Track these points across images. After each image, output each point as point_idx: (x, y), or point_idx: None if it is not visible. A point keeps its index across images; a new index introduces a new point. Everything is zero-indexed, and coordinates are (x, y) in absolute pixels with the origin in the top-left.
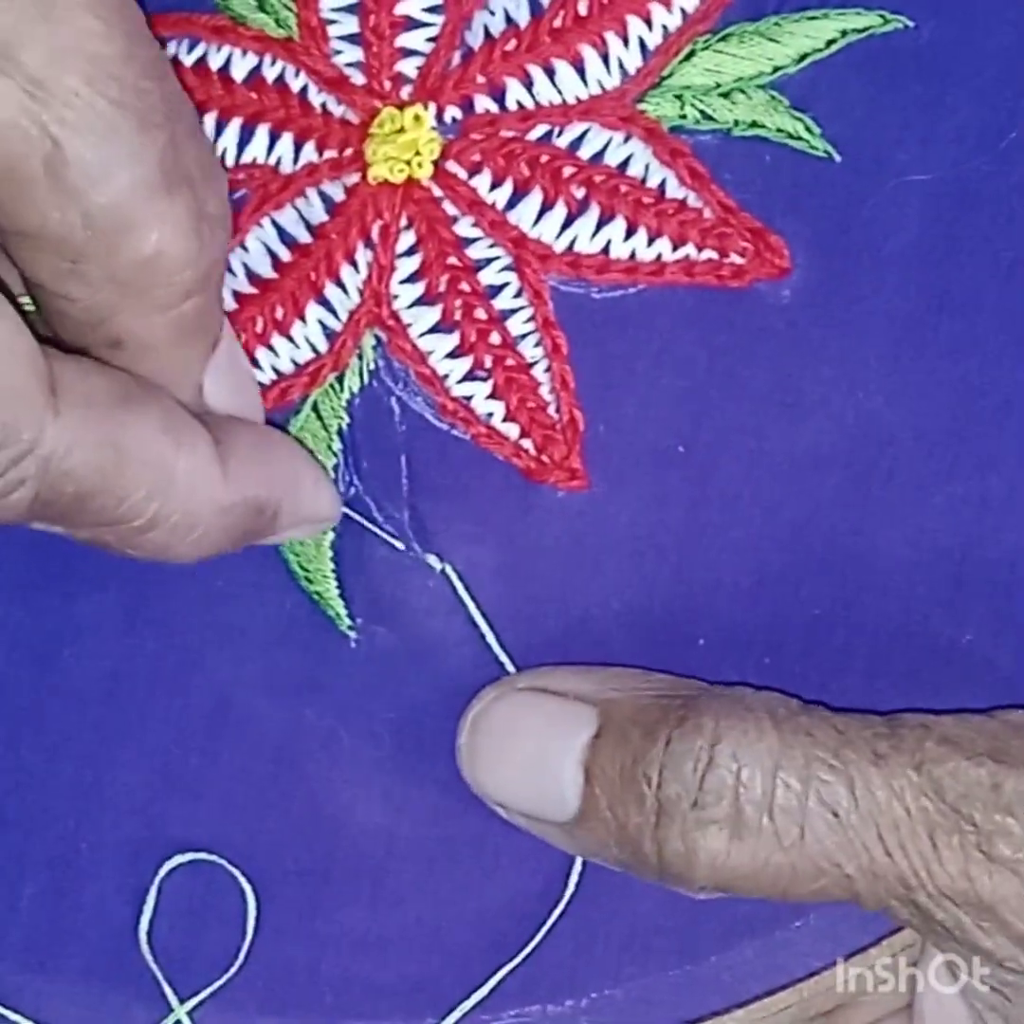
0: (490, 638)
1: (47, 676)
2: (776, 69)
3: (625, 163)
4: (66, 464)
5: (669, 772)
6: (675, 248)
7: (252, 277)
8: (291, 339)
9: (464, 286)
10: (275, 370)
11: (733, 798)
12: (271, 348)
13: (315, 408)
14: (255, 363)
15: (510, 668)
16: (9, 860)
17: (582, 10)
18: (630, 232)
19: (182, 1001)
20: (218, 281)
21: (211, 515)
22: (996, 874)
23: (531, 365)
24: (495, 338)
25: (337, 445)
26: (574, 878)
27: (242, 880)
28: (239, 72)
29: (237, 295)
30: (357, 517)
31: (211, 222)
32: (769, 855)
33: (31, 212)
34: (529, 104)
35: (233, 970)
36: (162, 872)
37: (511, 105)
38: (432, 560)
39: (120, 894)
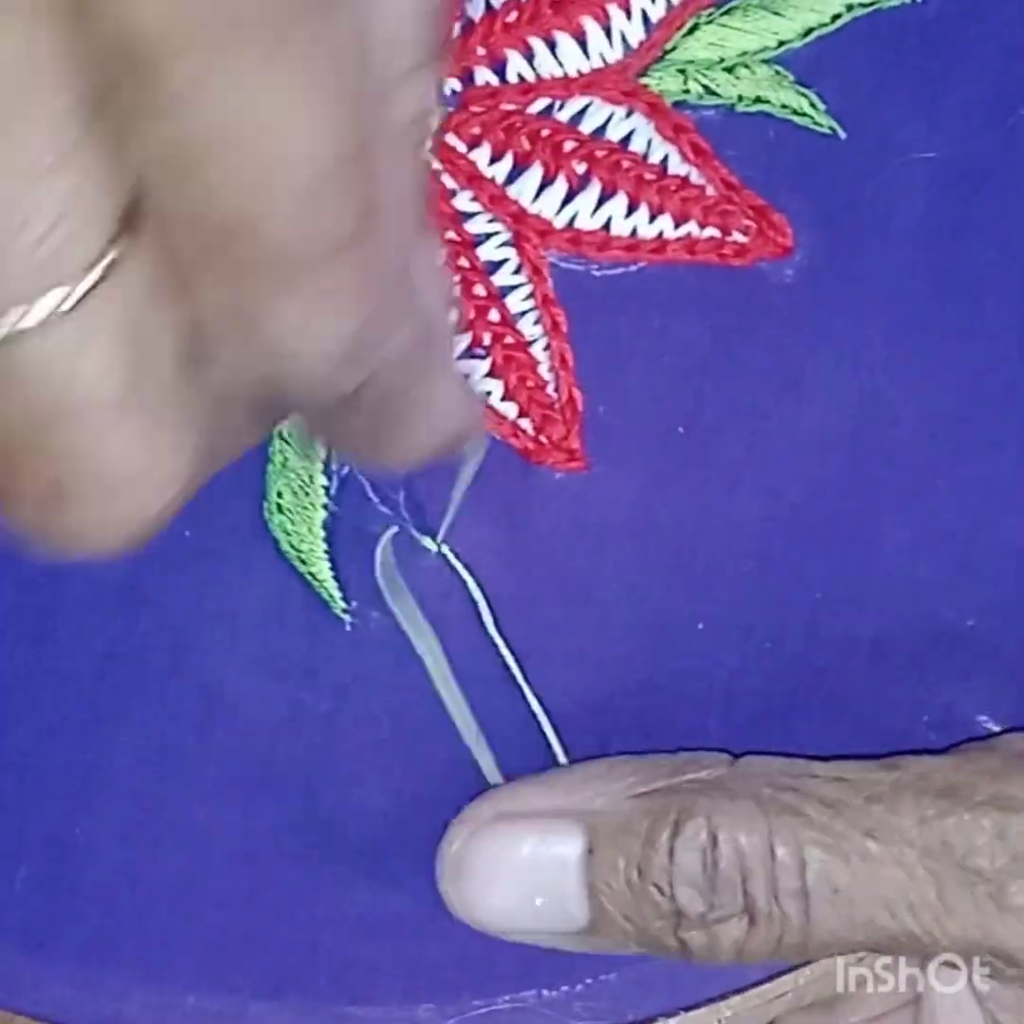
0: (487, 618)
1: (40, 657)
2: (781, 44)
3: (627, 138)
4: None
5: (679, 878)
6: (677, 225)
7: None
8: None
9: (463, 261)
10: None
11: (742, 891)
12: None
13: None
14: None
15: (505, 653)
16: (4, 842)
17: None
18: (632, 208)
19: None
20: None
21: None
22: (1009, 922)
23: (530, 343)
24: (494, 315)
25: None
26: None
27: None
28: None
29: None
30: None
31: None
32: (782, 937)
33: None
34: (530, 77)
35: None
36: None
37: (512, 78)
38: (427, 541)
39: (116, 876)
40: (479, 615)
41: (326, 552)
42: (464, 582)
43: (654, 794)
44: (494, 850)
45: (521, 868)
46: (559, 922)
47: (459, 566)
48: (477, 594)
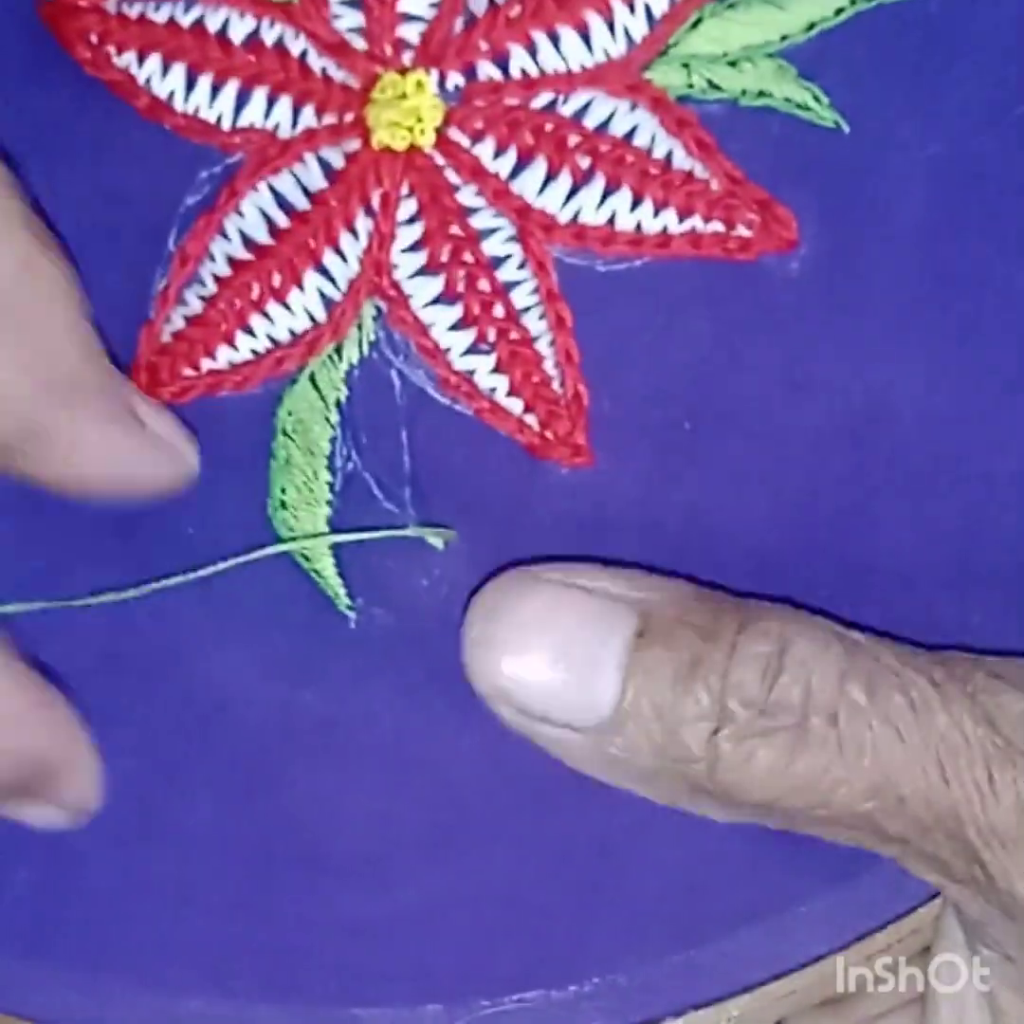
0: None
1: (38, 657)
2: (784, 38)
3: (631, 133)
4: None
5: (736, 676)
6: (681, 220)
7: (248, 243)
8: (288, 307)
9: (467, 256)
10: (271, 339)
11: (802, 706)
12: (267, 316)
13: (312, 379)
14: (249, 330)
15: None
16: (3, 845)
17: None
18: (636, 203)
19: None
20: None
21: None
22: None
23: (535, 338)
24: (499, 310)
25: (334, 417)
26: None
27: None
28: (237, 34)
29: (232, 261)
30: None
31: None
32: (829, 766)
33: None
34: (533, 71)
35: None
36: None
37: (515, 72)
38: (432, 538)
39: (116, 880)
40: None
41: (331, 548)
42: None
43: (719, 599)
44: (537, 605)
45: (561, 631)
46: (581, 704)
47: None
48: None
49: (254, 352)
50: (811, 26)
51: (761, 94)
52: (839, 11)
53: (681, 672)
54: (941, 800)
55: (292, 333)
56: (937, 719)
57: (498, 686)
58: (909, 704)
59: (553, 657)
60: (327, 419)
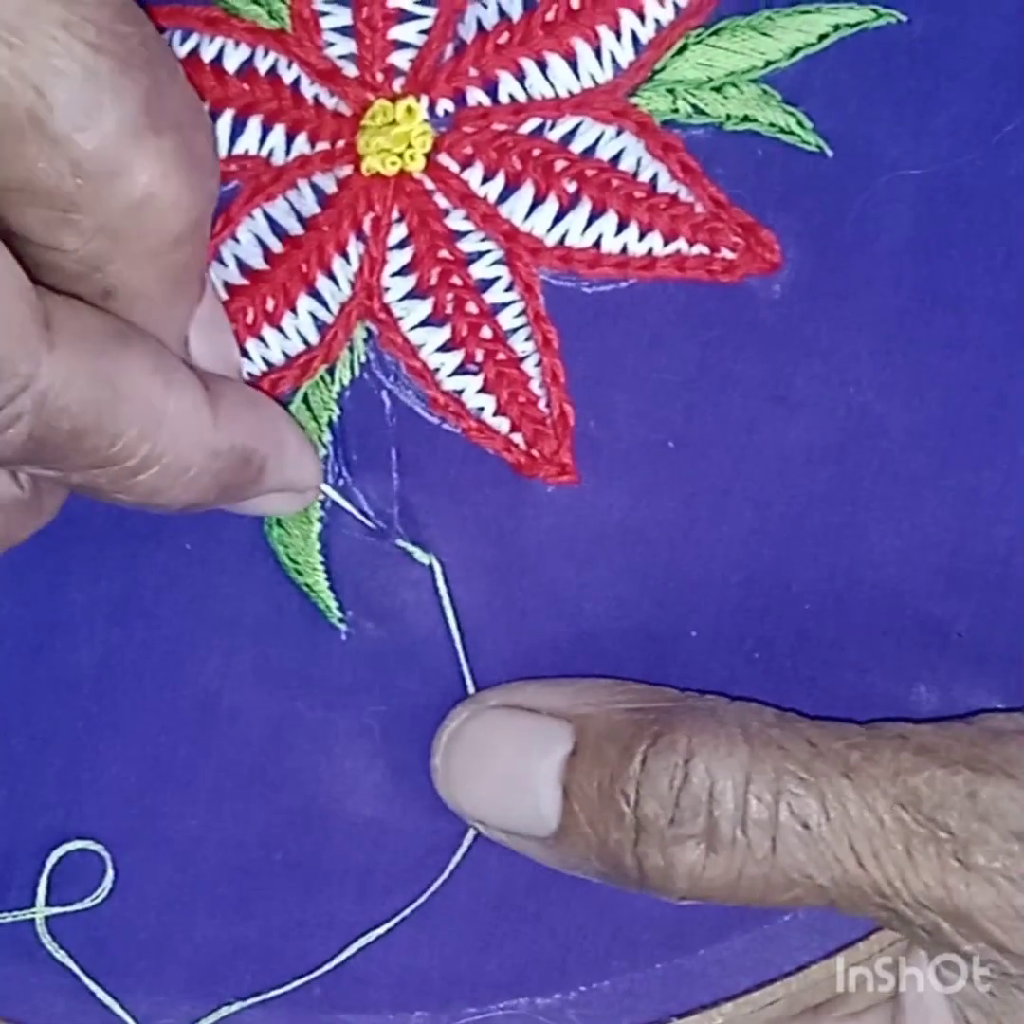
0: (456, 637)
1: (37, 666)
2: (768, 63)
3: (617, 157)
4: (62, 399)
5: (646, 789)
6: (666, 243)
7: (243, 268)
8: (282, 331)
9: (455, 279)
10: (266, 361)
11: (707, 813)
12: (262, 339)
13: (306, 400)
14: (245, 354)
15: (466, 674)
16: None
17: (575, 4)
18: (622, 226)
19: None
20: (206, 231)
21: (201, 457)
22: (973, 883)
23: (522, 359)
24: (486, 332)
25: (327, 437)
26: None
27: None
28: (232, 64)
29: (228, 286)
30: (344, 503)
31: (200, 166)
32: (743, 867)
33: (18, 164)
34: (521, 97)
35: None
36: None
37: (503, 98)
38: (418, 554)
39: (110, 884)
40: (471, 627)
41: (323, 563)
42: (443, 596)
43: (647, 710)
44: (486, 734)
45: (508, 757)
46: (532, 822)
47: (441, 581)
48: (452, 611)
49: (251, 375)
50: (795, 51)
51: (745, 119)
52: (823, 37)
53: (604, 786)
54: (862, 882)
55: (286, 355)
56: (849, 808)
57: (461, 810)
58: (817, 798)
59: (500, 782)
60: (320, 438)
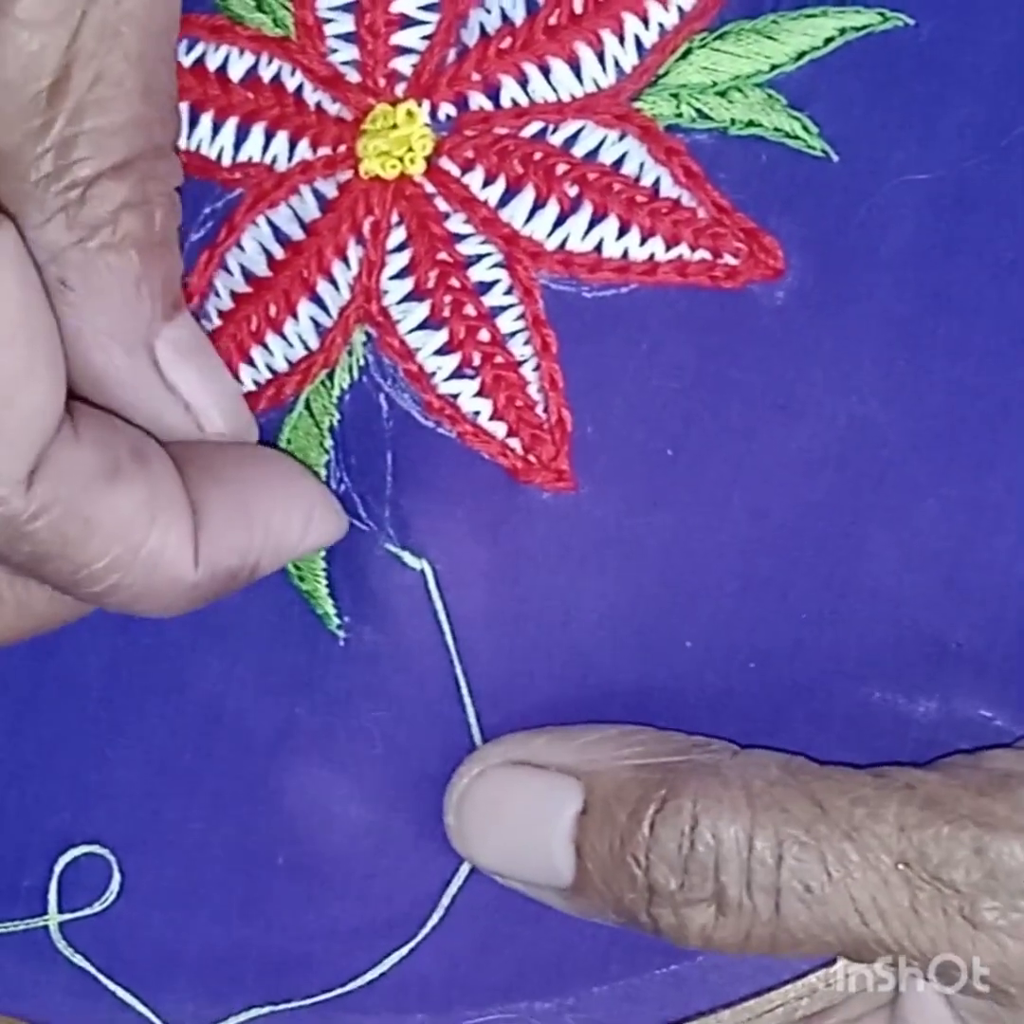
0: (450, 642)
1: (45, 671)
2: (773, 68)
3: (619, 161)
4: (28, 527)
5: (655, 854)
6: (668, 248)
7: (248, 276)
8: (284, 337)
9: (454, 282)
10: (270, 369)
11: (714, 878)
12: (265, 346)
13: (308, 405)
14: (250, 361)
15: (460, 678)
16: (7, 852)
17: (578, 8)
18: (623, 231)
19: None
20: (166, 245)
21: (176, 591)
22: (979, 941)
23: (520, 363)
24: (484, 335)
25: (328, 442)
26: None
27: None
28: (236, 72)
29: (234, 295)
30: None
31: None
32: (750, 929)
33: None
34: (524, 101)
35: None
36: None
37: (505, 103)
38: (409, 559)
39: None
40: (468, 634)
41: (324, 570)
42: (436, 601)
43: (653, 767)
44: (496, 793)
45: (520, 815)
46: (547, 876)
47: (433, 586)
48: (445, 616)
49: (256, 383)
50: (800, 56)
51: (750, 123)
52: (829, 41)
53: (616, 848)
54: (867, 940)
55: (289, 362)
56: (851, 869)
57: (478, 865)
58: (819, 860)
59: (513, 840)
60: (321, 443)
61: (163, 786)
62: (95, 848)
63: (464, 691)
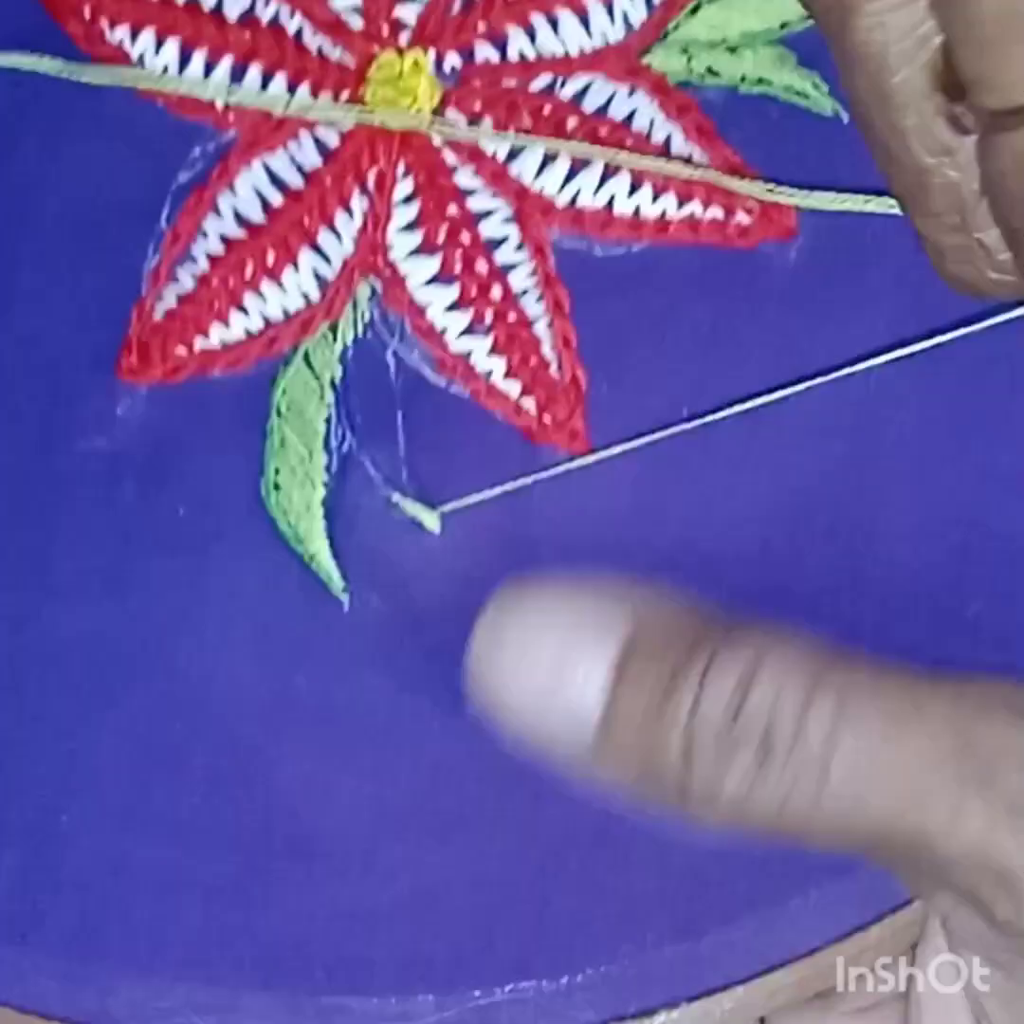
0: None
1: (25, 640)
2: (784, 25)
3: (630, 117)
4: None
5: (708, 694)
6: (680, 205)
7: (241, 221)
8: (282, 286)
9: (464, 237)
10: (264, 318)
11: (764, 731)
12: (261, 295)
13: (307, 359)
14: (242, 308)
15: None
16: None
17: None
18: (634, 187)
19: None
20: None
21: None
22: (1020, 837)
23: (532, 322)
24: (496, 292)
25: (329, 397)
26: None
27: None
28: (232, 11)
29: (225, 239)
30: None
31: None
32: (789, 796)
33: None
34: (531, 55)
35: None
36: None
37: (513, 55)
38: (428, 520)
39: (102, 865)
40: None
41: (325, 531)
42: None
43: (710, 617)
44: (529, 620)
45: (554, 645)
46: (573, 726)
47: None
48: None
49: (247, 332)
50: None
51: (760, 81)
52: None
53: (662, 684)
54: (909, 823)
55: (286, 312)
56: (909, 741)
57: (499, 711)
58: (880, 724)
59: (542, 677)
60: (322, 398)
61: (152, 759)
62: None
63: None
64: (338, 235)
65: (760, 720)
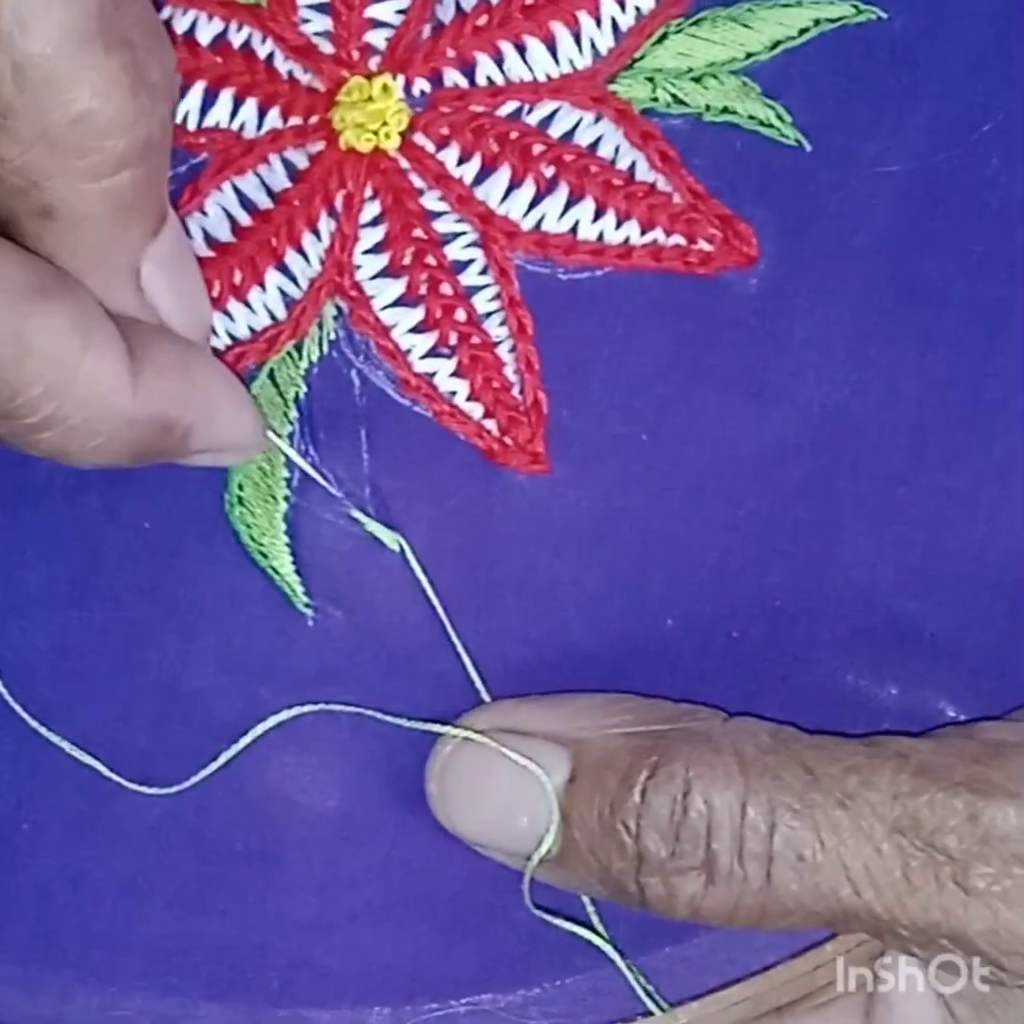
0: (445, 621)
1: None
2: (748, 55)
3: (595, 144)
4: None
5: (646, 821)
6: (643, 232)
7: (210, 241)
8: (248, 305)
9: (430, 260)
10: (230, 335)
11: (706, 845)
12: (227, 313)
13: (271, 376)
14: (210, 328)
15: (462, 653)
16: None
17: None
18: (598, 213)
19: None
20: (159, 156)
21: (112, 426)
22: (971, 907)
23: (496, 344)
24: (460, 315)
25: (293, 414)
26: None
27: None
28: (205, 36)
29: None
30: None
31: (151, 91)
32: (740, 898)
33: None
34: (499, 80)
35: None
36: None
37: (481, 80)
38: (386, 537)
39: (61, 874)
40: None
41: (288, 546)
42: (422, 581)
43: (643, 735)
44: (481, 760)
45: (505, 784)
46: (529, 844)
47: (418, 568)
48: (434, 593)
49: (214, 349)
50: (776, 45)
51: (725, 110)
52: (803, 31)
53: (605, 815)
54: (858, 911)
55: (252, 330)
56: (844, 837)
57: (460, 835)
58: (813, 828)
59: (498, 808)
60: (285, 415)
61: (115, 769)
62: None
63: (468, 666)
64: (305, 255)
65: (700, 839)
